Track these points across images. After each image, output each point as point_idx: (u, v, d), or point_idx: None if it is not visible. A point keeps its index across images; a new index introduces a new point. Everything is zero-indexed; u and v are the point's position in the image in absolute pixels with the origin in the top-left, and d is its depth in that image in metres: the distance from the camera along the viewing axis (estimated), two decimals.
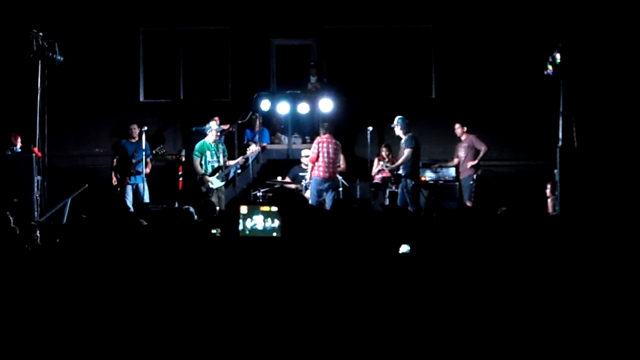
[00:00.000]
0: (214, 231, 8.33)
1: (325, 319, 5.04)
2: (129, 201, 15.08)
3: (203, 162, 14.70)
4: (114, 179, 15.25)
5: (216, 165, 14.69)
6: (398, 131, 14.48)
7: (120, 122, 17.14)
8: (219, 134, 14.93)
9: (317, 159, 14.40)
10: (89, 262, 5.86)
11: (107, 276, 5.61)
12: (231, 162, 15.01)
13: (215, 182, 14.60)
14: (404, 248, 6.49)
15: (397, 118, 14.50)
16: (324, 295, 5.22)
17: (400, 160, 14.40)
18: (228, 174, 15.06)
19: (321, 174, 14.38)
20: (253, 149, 15.47)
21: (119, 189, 15.16)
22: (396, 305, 5.15)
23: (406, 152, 14.21)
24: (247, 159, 15.52)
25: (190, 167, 15.46)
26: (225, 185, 15.38)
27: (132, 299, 5.36)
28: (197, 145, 14.84)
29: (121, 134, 16.36)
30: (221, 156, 14.78)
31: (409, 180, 14.20)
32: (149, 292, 5.43)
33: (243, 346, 4.99)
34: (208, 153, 14.67)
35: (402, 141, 14.42)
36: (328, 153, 14.43)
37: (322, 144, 14.47)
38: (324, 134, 14.61)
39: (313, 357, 4.89)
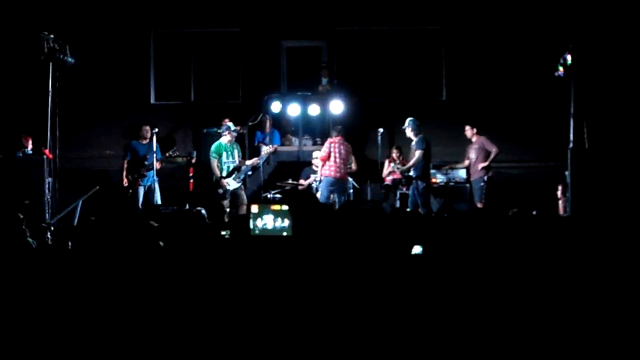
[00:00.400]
0: (223, 233, 8.32)
1: (335, 319, 5.04)
2: (140, 203, 15.09)
3: (219, 164, 14.69)
4: (125, 180, 15.25)
5: (232, 166, 14.68)
6: (409, 133, 14.49)
7: (131, 124, 17.19)
8: (235, 135, 14.91)
9: (328, 159, 14.47)
10: (100, 264, 5.87)
11: (117, 278, 5.61)
12: (248, 162, 14.98)
13: (231, 184, 14.61)
14: (417, 249, 6.48)
15: (408, 120, 14.51)
16: (333, 295, 5.22)
17: (411, 162, 14.41)
18: (242, 176, 15.04)
19: (332, 173, 14.47)
20: (267, 149, 15.41)
21: (130, 190, 15.17)
22: (407, 307, 5.14)
23: (417, 153, 14.22)
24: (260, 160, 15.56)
25: (200, 169, 15.48)
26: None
27: (142, 301, 5.37)
28: (214, 147, 14.80)
29: (132, 135, 16.38)
30: (237, 157, 14.77)
31: (419, 182, 14.20)
32: (159, 293, 5.43)
33: (250, 346, 4.99)
34: (224, 154, 14.65)
35: (413, 143, 14.43)
36: (340, 154, 14.53)
37: (334, 144, 14.57)
38: (336, 136, 14.68)
39: (322, 357, 4.89)
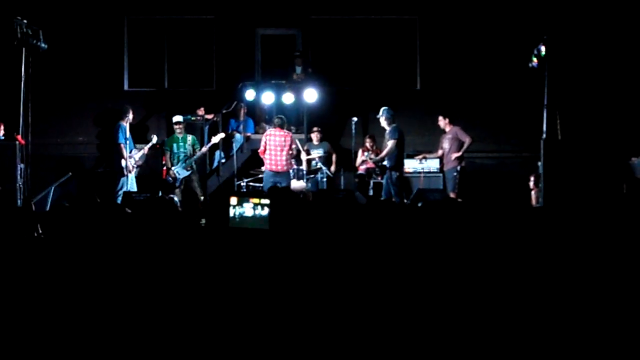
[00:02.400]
0: (202, 221, 8.29)
1: (311, 308, 5.05)
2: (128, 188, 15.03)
3: (171, 155, 15.32)
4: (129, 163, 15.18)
5: (182, 156, 15.27)
6: (383, 122, 14.49)
7: (105, 111, 17.18)
8: (182, 125, 15.45)
9: (264, 152, 14.66)
10: (72, 250, 5.84)
11: (90, 265, 5.59)
12: (197, 153, 15.27)
13: (181, 172, 14.96)
14: None
15: (382, 109, 14.52)
16: (308, 285, 5.24)
17: (384, 152, 14.44)
18: (193, 163, 15.29)
19: (268, 167, 14.69)
20: (219, 137, 15.58)
21: (126, 175, 15.09)
22: (383, 297, 5.16)
23: (390, 143, 14.23)
24: (218, 146, 15.94)
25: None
26: (209, 175, 15.76)
27: (115, 287, 5.35)
28: (166, 140, 15.60)
29: (104, 122, 16.38)
30: (189, 147, 15.30)
31: (393, 172, 14.23)
32: (132, 279, 5.42)
33: (225, 334, 4.99)
34: (174, 145, 15.34)
35: (387, 132, 14.45)
36: (274, 146, 14.65)
37: (269, 136, 14.76)
38: (274, 127, 14.75)
39: (299, 347, 4.89)
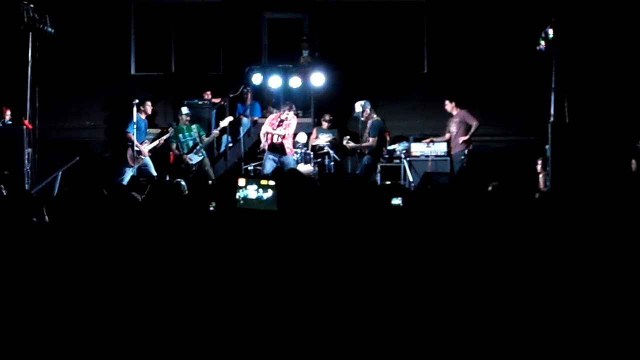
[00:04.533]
0: (211, 207, 8.26)
1: (317, 296, 5.04)
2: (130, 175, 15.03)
3: (179, 145, 15.35)
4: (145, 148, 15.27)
5: (191, 143, 15.24)
6: (366, 114, 14.72)
7: (112, 95, 17.23)
8: (187, 118, 15.48)
9: None
10: (79, 236, 5.83)
11: (97, 252, 5.58)
12: (206, 138, 15.33)
13: (194, 158, 15.04)
14: (397, 201, 6.51)
15: (359, 103, 14.72)
16: (315, 269, 5.23)
17: (363, 144, 15.04)
18: (203, 149, 15.34)
19: None
20: (227, 120, 15.65)
21: (132, 165, 15.08)
22: (390, 279, 5.15)
23: (371, 140, 14.69)
24: (225, 130, 16.07)
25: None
26: (216, 159, 15.78)
27: (123, 275, 5.34)
28: (171, 132, 15.48)
29: (112, 107, 16.40)
30: (196, 134, 15.36)
31: (369, 157, 14.59)
32: (139, 266, 5.41)
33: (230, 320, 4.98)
34: (180, 135, 15.38)
35: (368, 125, 14.71)
36: None
37: None
38: None
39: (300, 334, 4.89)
